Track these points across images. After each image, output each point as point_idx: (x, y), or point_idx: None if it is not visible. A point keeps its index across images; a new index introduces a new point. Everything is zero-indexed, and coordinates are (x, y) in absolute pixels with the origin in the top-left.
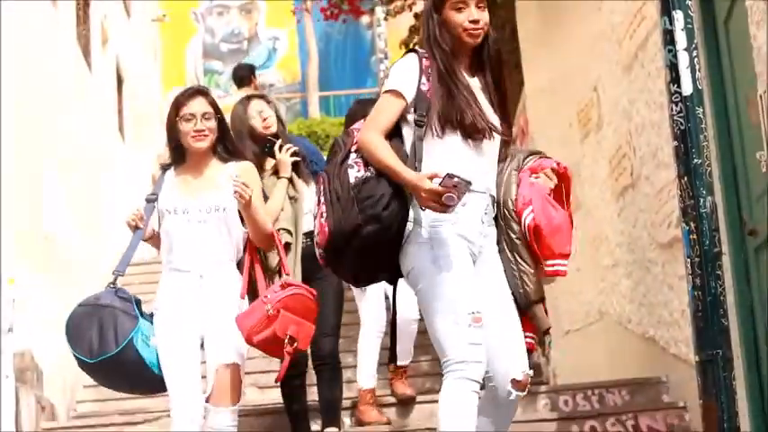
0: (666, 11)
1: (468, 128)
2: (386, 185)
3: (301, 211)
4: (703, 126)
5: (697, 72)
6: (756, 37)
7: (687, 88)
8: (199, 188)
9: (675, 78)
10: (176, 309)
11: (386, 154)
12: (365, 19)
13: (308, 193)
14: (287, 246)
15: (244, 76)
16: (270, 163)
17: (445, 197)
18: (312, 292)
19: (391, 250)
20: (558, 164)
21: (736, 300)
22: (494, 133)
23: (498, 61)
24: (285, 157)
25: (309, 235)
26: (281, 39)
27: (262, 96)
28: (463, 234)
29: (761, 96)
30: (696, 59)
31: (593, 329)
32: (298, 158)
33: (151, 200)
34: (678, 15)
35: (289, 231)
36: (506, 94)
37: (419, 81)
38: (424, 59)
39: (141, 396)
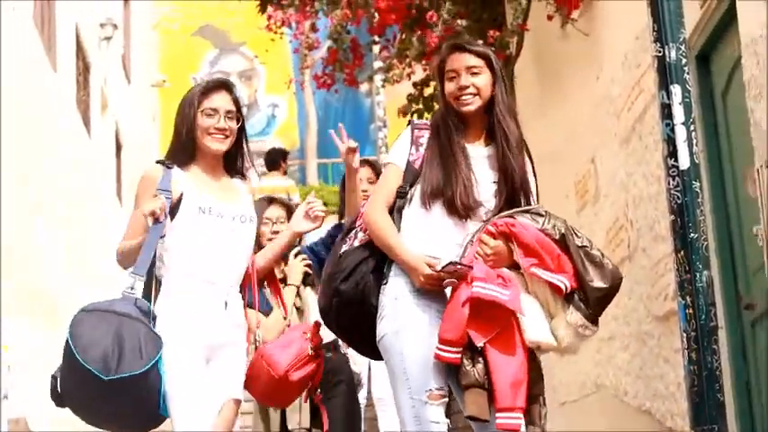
0: (664, 85)
1: (450, 203)
2: (355, 258)
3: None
4: (700, 200)
5: (694, 146)
6: (754, 111)
7: (684, 162)
8: (223, 193)
9: (673, 152)
10: (196, 324)
11: (386, 229)
12: (364, 87)
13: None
14: None
15: (275, 160)
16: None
17: (446, 282)
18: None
19: (371, 323)
20: (495, 224)
21: (733, 374)
22: (480, 211)
23: (510, 128)
24: (297, 263)
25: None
26: (280, 106)
27: (284, 205)
28: (431, 307)
29: (758, 170)
30: (693, 133)
31: (590, 401)
32: (309, 270)
33: (166, 194)
34: (676, 90)
35: None
36: (521, 161)
37: (408, 152)
38: (416, 130)
39: None
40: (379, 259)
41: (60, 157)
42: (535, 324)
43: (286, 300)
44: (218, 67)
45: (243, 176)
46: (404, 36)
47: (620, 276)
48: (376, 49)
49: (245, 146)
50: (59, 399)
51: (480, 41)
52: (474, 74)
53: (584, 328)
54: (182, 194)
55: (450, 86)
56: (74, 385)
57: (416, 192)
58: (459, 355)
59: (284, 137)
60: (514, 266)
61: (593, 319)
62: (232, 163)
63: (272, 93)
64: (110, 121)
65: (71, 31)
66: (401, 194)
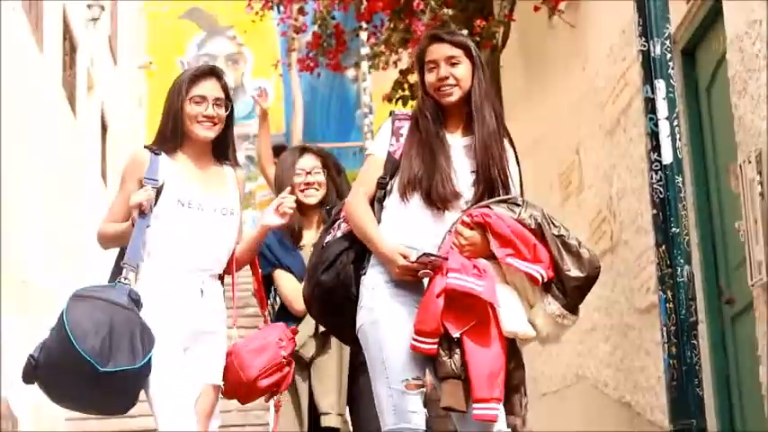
0: (648, 79)
1: (427, 194)
2: (336, 249)
3: None
4: (682, 195)
5: (678, 141)
6: (738, 106)
7: (667, 157)
8: (208, 184)
9: (656, 147)
10: (173, 313)
11: (365, 221)
12: (351, 73)
13: None
14: (327, 334)
15: None
16: (309, 235)
17: (421, 273)
18: None
19: (351, 313)
20: (470, 214)
21: (713, 369)
22: (458, 201)
23: (488, 117)
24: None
25: None
26: (266, 90)
27: (319, 155)
28: (408, 297)
29: (740, 166)
30: (677, 128)
31: (570, 392)
32: None
33: (153, 184)
34: (660, 84)
35: None
36: (499, 151)
37: (389, 142)
38: (396, 121)
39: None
40: (360, 250)
41: (46, 137)
42: (512, 314)
43: None
44: (204, 50)
45: (235, 163)
46: (392, 24)
47: (597, 265)
48: (363, 35)
49: (231, 131)
50: (31, 377)
51: (465, 31)
52: (453, 64)
53: (563, 317)
54: (163, 184)
55: (429, 77)
56: (62, 370)
57: (396, 183)
58: (435, 346)
59: (270, 121)
60: (492, 256)
61: (572, 308)
62: (222, 150)
63: (258, 77)
64: (96, 102)
65: (58, 12)
66: (381, 185)
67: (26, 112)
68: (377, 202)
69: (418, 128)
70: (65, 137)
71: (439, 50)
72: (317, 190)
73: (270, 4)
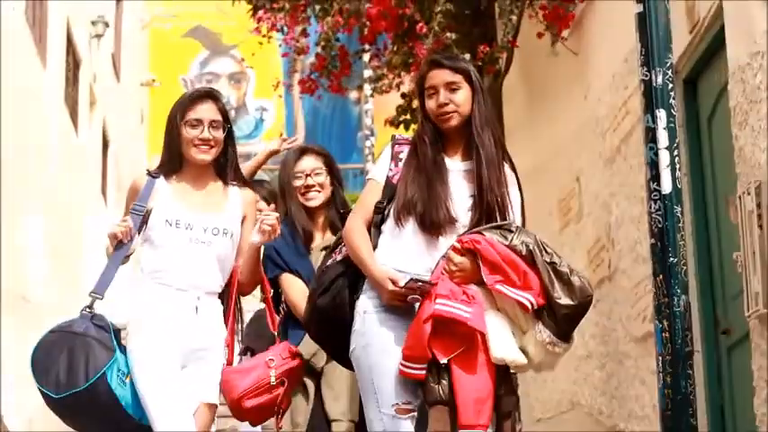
0: (649, 109)
1: (421, 219)
2: (332, 273)
3: None
4: (681, 225)
5: (677, 171)
6: (738, 137)
7: (666, 187)
8: (202, 205)
9: (655, 176)
10: (168, 331)
11: (359, 244)
12: (353, 95)
13: None
14: None
15: None
16: (318, 237)
17: (410, 298)
18: None
19: (347, 337)
20: (461, 240)
21: (707, 399)
22: (454, 226)
23: (487, 142)
24: None
25: None
26: (268, 110)
27: (321, 154)
28: (399, 322)
29: (740, 197)
30: (677, 158)
31: (565, 419)
32: None
33: (140, 212)
34: (661, 114)
35: None
36: (498, 175)
37: (388, 167)
38: (396, 146)
39: None
40: (357, 274)
41: (47, 153)
42: (501, 341)
43: None
44: (207, 69)
45: (242, 183)
46: (395, 47)
47: (588, 293)
48: (366, 57)
49: (232, 152)
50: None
51: (468, 56)
52: (453, 90)
53: (554, 345)
54: (152, 209)
55: (429, 103)
56: (46, 401)
57: (392, 208)
58: (423, 372)
59: (272, 140)
60: (483, 283)
61: (563, 336)
62: (224, 171)
63: (260, 96)
64: (98, 119)
65: (62, 28)
66: (379, 210)
67: (28, 126)
68: (374, 227)
69: (417, 153)
70: (66, 152)
71: (439, 76)
72: (319, 191)
73: (276, 26)
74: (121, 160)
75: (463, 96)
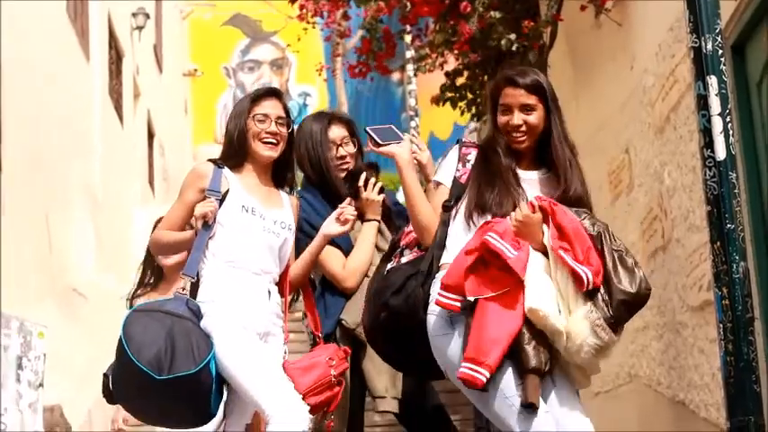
0: (700, 76)
1: (494, 217)
2: (403, 274)
3: None
4: (736, 191)
5: (730, 137)
6: None
7: (720, 153)
8: (268, 199)
9: (709, 143)
10: (245, 309)
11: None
12: (396, 76)
13: None
14: None
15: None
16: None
17: None
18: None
19: (419, 338)
20: (539, 198)
21: None
22: None
23: (567, 155)
24: (374, 195)
25: None
26: (311, 95)
27: (344, 122)
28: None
29: None
30: (730, 124)
31: (623, 392)
32: (383, 196)
33: (216, 195)
34: (712, 80)
35: None
36: (582, 176)
37: (455, 168)
38: (463, 148)
39: None
40: (426, 275)
41: (94, 146)
42: (539, 292)
43: (367, 237)
44: (249, 57)
45: (290, 190)
46: (437, 26)
47: (648, 288)
48: (408, 37)
49: (290, 155)
50: (110, 396)
51: (513, 35)
52: (527, 112)
53: (602, 328)
54: (227, 191)
55: (502, 120)
56: (126, 384)
57: (461, 207)
58: (458, 303)
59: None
60: (543, 251)
61: (614, 324)
62: (282, 175)
63: (302, 82)
64: (142, 110)
65: (104, 21)
66: (446, 208)
67: (74, 120)
68: (442, 224)
69: (486, 158)
70: (112, 145)
71: (513, 96)
72: (349, 162)
73: (319, 11)
74: (167, 150)
75: (537, 118)
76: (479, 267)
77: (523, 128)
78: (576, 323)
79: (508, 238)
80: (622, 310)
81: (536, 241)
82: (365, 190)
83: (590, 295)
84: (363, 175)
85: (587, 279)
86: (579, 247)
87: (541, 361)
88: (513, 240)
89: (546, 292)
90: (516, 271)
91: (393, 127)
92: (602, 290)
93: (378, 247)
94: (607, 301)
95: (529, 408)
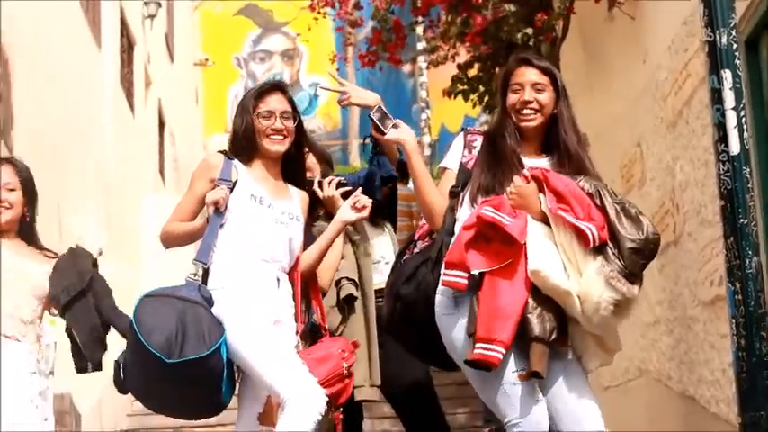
0: (714, 70)
1: None
2: (414, 263)
3: (367, 258)
4: (750, 186)
5: (744, 132)
6: None
7: (734, 148)
8: (276, 190)
9: (723, 138)
10: (256, 295)
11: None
12: (407, 68)
13: (381, 240)
14: (351, 300)
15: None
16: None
17: None
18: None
19: (433, 324)
20: (531, 168)
21: None
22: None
23: (574, 143)
24: (331, 191)
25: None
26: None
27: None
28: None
29: None
30: (744, 119)
31: (633, 386)
32: (348, 188)
33: (228, 185)
34: (726, 75)
35: (353, 282)
36: (590, 166)
37: (461, 155)
38: (469, 135)
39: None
40: (435, 262)
41: (104, 134)
42: (541, 254)
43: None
44: (260, 47)
45: (301, 185)
46: (449, 17)
47: (656, 233)
48: (419, 29)
49: (304, 147)
50: (122, 385)
51: (530, 30)
52: (538, 90)
53: (617, 280)
54: (236, 181)
55: (512, 98)
56: (138, 369)
57: (467, 193)
58: (464, 281)
59: (326, 117)
60: (544, 220)
61: (630, 275)
62: (292, 170)
63: (314, 73)
64: (153, 99)
65: (115, 10)
66: (453, 193)
67: (84, 108)
68: (449, 211)
69: (493, 143)
70: (123, 133)
71: (526, 74)
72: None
73: (331, 1)
74: (177, 140)
75: (547, 98)
76: (481, 243)
77: (534, 105)
78: (590, 280)
79: (505, 210)
80: (634, 258)
81: (534, 211)
82: (321, 190)
83: (599, 251)
84: (316, 180)
85: (592, 234)
86: (578, 205)
87: (545, 329)
88: (511, 212)
89: (547, 254)
90: (514, 236)
91: (381, 106)
92: (609, 244)
93: (349, 239)
94: (617, 254)
95: (534, 376)
